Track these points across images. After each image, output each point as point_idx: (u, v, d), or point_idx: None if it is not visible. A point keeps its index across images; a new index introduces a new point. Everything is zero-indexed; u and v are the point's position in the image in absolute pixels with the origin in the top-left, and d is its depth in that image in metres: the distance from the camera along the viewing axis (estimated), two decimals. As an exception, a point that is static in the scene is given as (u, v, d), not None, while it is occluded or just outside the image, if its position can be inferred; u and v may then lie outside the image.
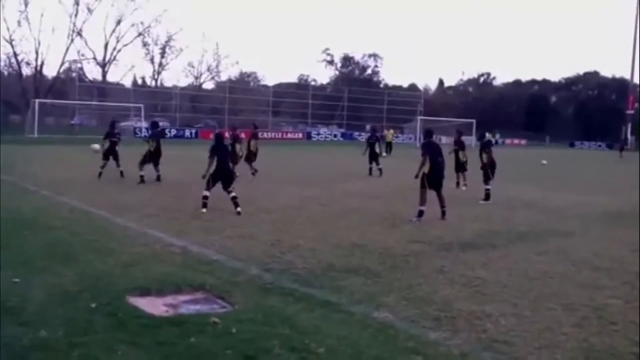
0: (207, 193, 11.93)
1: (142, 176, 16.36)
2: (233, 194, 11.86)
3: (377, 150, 22.05)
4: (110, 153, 17.49)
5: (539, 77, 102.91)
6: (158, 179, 16.79)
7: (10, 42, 61.71)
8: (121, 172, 17.40)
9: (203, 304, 6.01)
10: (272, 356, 4.68)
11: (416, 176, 12.11)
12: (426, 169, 11.93)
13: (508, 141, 71.02)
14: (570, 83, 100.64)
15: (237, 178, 14.63)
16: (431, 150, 12.10)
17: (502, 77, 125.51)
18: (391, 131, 43.04)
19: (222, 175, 12.07)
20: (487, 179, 15.19)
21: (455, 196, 12.26)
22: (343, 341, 5.05)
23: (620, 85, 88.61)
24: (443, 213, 11.99)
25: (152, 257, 7.79)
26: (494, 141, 16.28)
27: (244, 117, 58.53)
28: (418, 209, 11.77)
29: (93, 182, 16.14)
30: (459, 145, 18.25)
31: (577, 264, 8.51)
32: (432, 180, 11.91)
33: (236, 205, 11.72)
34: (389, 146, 37.16)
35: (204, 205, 11.77)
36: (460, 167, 17.92)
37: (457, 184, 17.81)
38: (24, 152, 27.51)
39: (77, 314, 5.38)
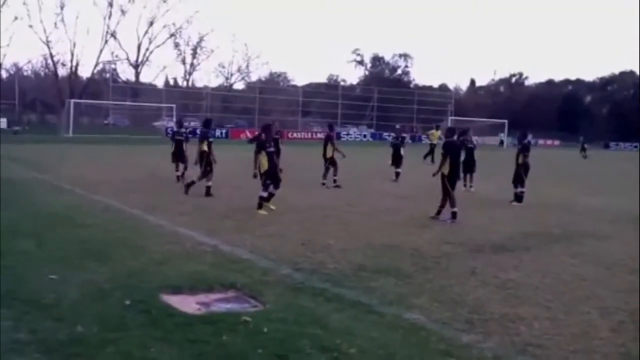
0: (263, 194, 11.90)
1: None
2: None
3: (402, 153, 20.46)
4: (176, 154, 16.18)
5: (572, 77, 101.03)
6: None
7: (47, 43, 63.28)
8: (177, 177, 16.06)
9: (234, 303, 6.05)
10: (304, 356, 4.69)
11: (434, 175, 12.15)
12: (446, 169, 11.85)
13: (541, 142, 69.77)
14: (605, 83, 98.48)
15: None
16: (452, 151, 12.04)
17: (534, 76, 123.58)
18: (438, 132, 31.24)
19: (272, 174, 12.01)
20: (520, 181, 14.92)
21: (486, 198, 12.10)
22: (374, 342, 5.04)
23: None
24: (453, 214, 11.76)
25: (184, 256, 7.87)
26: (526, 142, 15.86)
27: (274, 117, 58.65)
28: (451, 210, 11.69)
29: (127, 181, 16.34)
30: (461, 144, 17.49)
31: (612, 267, 8.34)
32: (454, 181, 11.97)
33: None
34: (431, 151, 28.49)
35: (260, 207, 11.78)
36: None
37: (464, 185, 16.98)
38: (60, 151, 28.02)
39: (111, 311, 5.48)
